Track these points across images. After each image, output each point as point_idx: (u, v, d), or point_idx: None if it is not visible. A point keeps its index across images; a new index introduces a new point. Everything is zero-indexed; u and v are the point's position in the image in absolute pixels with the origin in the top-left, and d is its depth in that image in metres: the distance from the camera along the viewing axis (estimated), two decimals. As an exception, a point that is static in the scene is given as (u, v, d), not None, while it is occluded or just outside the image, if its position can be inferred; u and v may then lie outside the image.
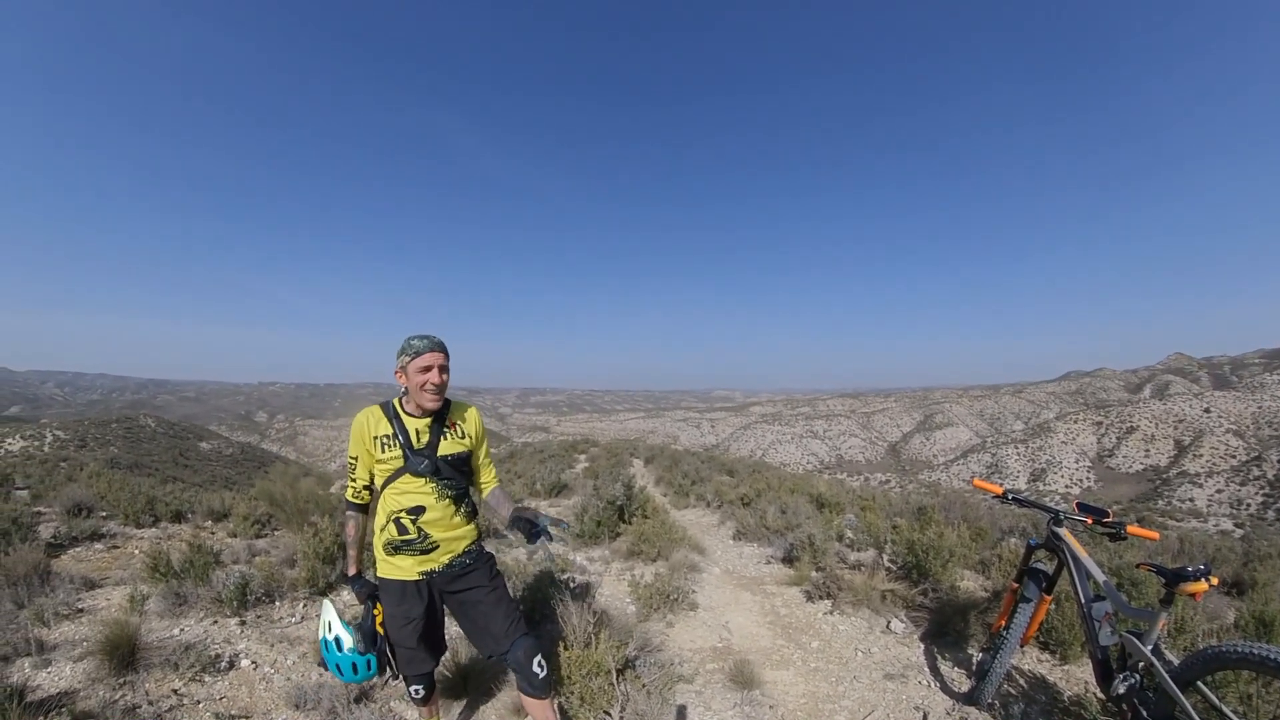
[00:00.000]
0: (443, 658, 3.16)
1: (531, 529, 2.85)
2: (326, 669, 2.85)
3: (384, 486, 2.77)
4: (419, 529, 2.71)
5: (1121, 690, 2.84)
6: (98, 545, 6.66)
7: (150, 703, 3.40)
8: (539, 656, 2.80)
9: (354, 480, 2.84)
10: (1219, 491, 78.34)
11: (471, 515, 2.90)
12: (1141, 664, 2.81)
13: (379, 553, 2.81)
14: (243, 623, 4.56)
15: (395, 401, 2.85)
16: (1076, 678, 4.03)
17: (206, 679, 3.72)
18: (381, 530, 2.78)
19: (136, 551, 6.46)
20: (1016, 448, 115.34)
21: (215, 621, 4.55)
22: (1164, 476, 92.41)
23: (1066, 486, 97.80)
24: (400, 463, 2.72)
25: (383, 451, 2.73)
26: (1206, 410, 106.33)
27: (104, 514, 8.09)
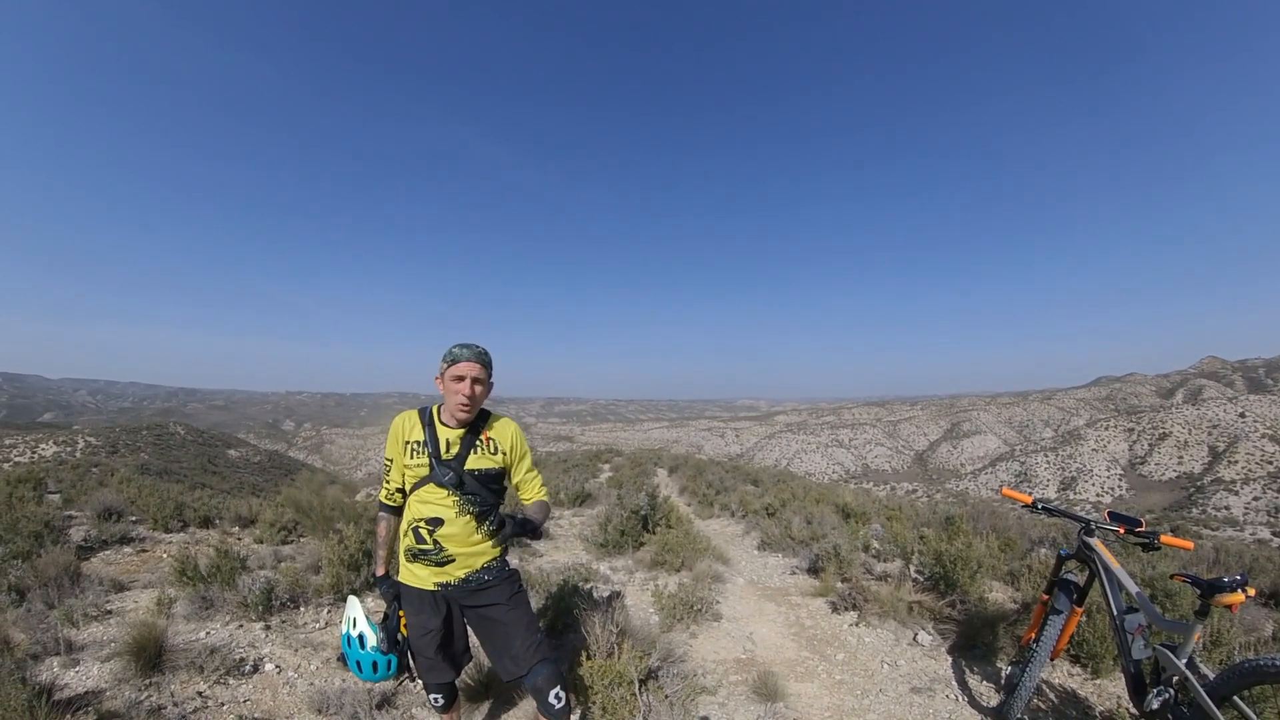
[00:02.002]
0: (466, 667, 3.14)
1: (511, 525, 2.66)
2: (346, 665, 2.81)
3: (410, 492, 2.75)
4: (435, 541, 2.67)
5: (1155, 705, 2.77)
6: (127, 549, 6.78)
7: (175, 704, 3.43)
8: (558, 688, 2.72)
9: (388, 482, 2.82)
10: (1255, 499, 76.50)
11: (495, 532, 2.75)
12: (1176, 678, 2.74)
13: (401, 558, 2.80)
14: (267, 627, 4.60)
15: (434, 408, 2.82)
16: (1109, 692, 3.94)
17: (231, 682, 3.76)
18: (403, 536, 2.77)
19: (165, 556, 6.56)
20: (1046, 456, 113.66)
21: (240, 625, 4.59)
22: (1198, 484, 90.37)
23: (1098, 495, 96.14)
24: (426, 471, 2.68)
25: (411, 457, 2.71)
26: (1241, 415, 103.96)
27: (133, 518, 8.25)
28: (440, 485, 2.66)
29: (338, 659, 2.78)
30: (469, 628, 2.92)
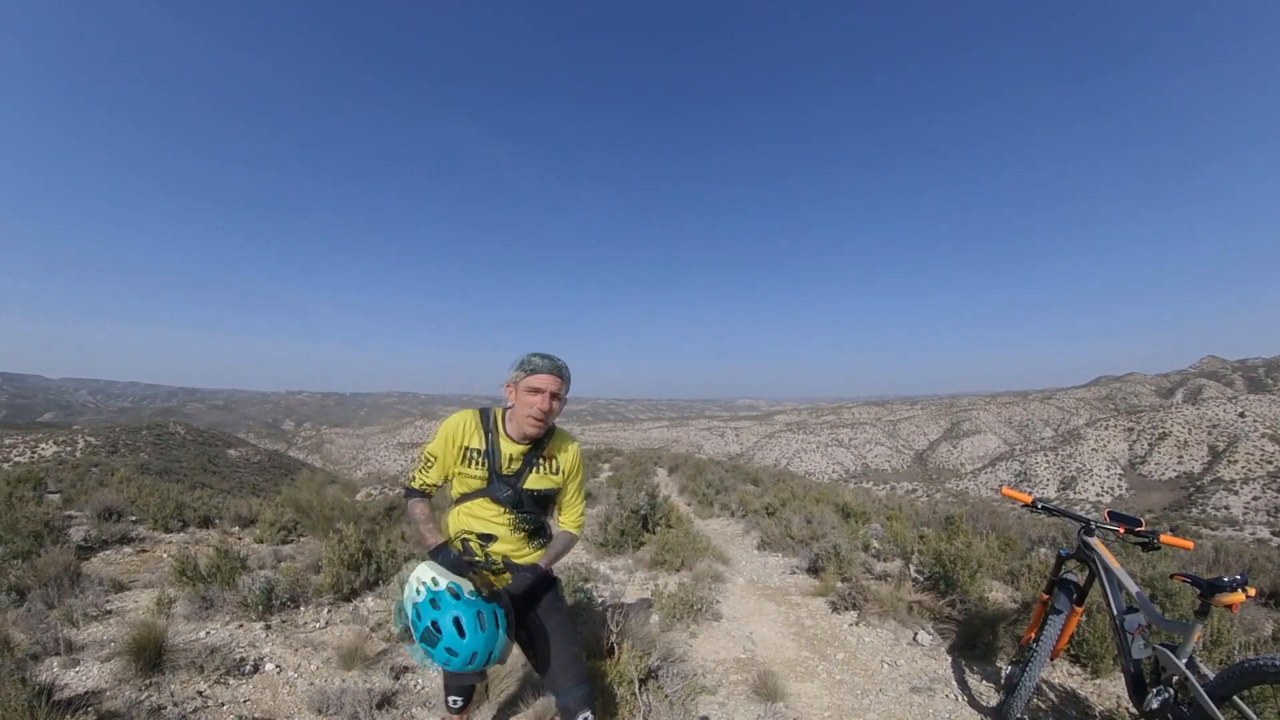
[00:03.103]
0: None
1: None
2: (408, 641, 2.29)
3: (458, 500, 2.61)
4: (486, 555, 2.57)
5: (1155, 705, 2.77)
6: (127, 549, 6.77)
7: (175, 704, 3.42)
8: (588, 712, 2.54)
9: (426, 475, 2.60)
10: (1255, 499, 76.44)
11: (544, 545, 2.70)
12: (1176, 678, 2.74)
13: None
14: (268, 627, 4.59)
15: (498, 415, 2.62)
16: (1108, 692, 3.94)
17: (231, 682, 3.75)
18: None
19: (165, 555, 6.55)
20: (1046, 455, 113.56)
21: (241, 625, 4.59)
22: (1198, 484, 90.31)
23: (1097, 495, 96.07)
24: (481, 484, 2.55)
25: (468, 466, 2.55)
26: (1241, 414, 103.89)
27: (133, 518, 8.24)
28: (497, 501, 2.54)
29: (401, 637, 2.39)
30: None
